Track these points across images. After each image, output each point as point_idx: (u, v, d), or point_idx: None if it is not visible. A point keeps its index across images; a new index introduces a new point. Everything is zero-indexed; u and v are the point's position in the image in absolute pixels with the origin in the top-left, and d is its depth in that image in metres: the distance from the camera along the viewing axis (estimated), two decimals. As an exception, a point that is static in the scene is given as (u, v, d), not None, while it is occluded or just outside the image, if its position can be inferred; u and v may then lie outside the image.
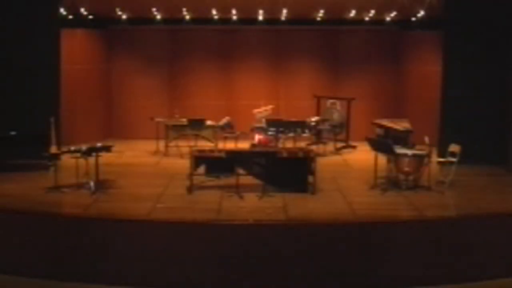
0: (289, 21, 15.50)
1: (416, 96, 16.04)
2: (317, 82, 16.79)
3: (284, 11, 14.46)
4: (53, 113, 12.39)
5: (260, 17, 15.03)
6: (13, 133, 12.11)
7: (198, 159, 10.94)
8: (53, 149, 11.51)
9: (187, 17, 15.22)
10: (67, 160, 11.51)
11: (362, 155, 13.91)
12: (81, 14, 14.45)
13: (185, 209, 9.94)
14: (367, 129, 14.61)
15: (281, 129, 13.64)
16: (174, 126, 14.22)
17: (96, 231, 8.81)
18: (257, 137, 14.02)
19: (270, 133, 13.66)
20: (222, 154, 10.94)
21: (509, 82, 12.74)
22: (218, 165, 10.93)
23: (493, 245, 8.83)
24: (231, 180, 10.77)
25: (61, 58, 13.64)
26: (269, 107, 14.90)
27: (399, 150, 11.11)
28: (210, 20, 15.45)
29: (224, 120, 14.44)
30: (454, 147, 11.32)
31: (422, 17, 14.35)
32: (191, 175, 10.81)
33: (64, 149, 11.65)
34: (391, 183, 11.12)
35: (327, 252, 8.57)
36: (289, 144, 13.62)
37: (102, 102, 16.51)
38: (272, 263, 8.51)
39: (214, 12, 14.68)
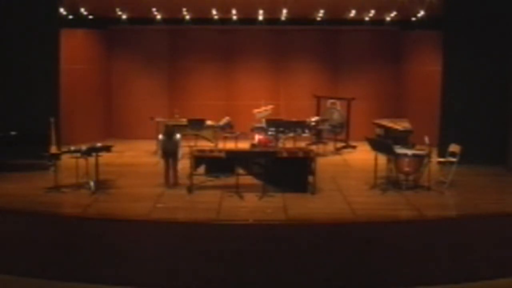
0: (289, 21, 15.51)
1: (416, 96, 16.05)
2: (317, 82, 16.79)
3: (284, 11, 14.46)
4: (53, 113, 12.40)
5: (260, 17, 15.04)
6: (13, 133, 12.11)
7: (198, 159, 10.95)
8: (53, 149, 11.50)
9: (187, 17, 15.23)
10: (67, 160, 11.51)
11: (362, 155, 13.92)
12: (81, 14, 14.45)
13: (185, 209, 9.95)
14: (367, 129, 14.62)
15: (281, 129, 13.64)
16: (174, 126, 14.20)
17: (96, 231, 8.81)
18: (257, 137, 14.02)
19: (270, 133, 13.66)
20: (222, 154, 10.94)
21: (509, 82, 12.74)
22: (218, 165, 10.93)
23: (493, 245, 8.83)
24: (231, 180, 10.77)
25: (61, 58, 13.65)
26: (269, 107, 14.90)
27: (399, 150, 11.11)
28: (210, 20, 15.46)
29: (224, 120, 14.44)
30: (454, 147, 11.32)
31: (422, 17, 14.35)
32: (191, 175, 10.81)
33: (64, 149, 11.65)
34: (391, 183, 11.12)
35: (327, 252, 8.57)
36: (289, 144, 13.63)
37: (102, 102, 16.52)
38: (272, 263, 8.51)
39: (214, 12, 14.68)
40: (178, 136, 11.17)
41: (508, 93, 12.76)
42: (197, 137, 14.29)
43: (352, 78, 16.72)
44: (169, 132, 11.16)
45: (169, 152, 11.07)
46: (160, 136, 11.24)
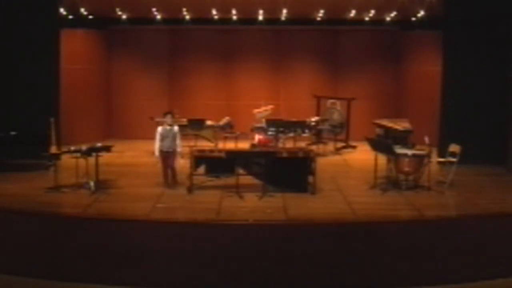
0: (289, 21, 15.52)
1: (416, 96, 16.06)
2: (317, 82, 16.80)
3: (284, 11, 14.47)
4: (53, 113, 12.41)
5: (260, 17, 15.04)
6: (13, 133, 12.11)
7: (198, 159, 10.94)
8: (53, 149, 11.51)
9: (187, 17, 15.24)
10: (67, 160, 11.51)
11: (362, 155, 13.92)
12: (81, 14, 14.46)
13: (185, 209, 9.94)
14: (367, 129, 14.62)
15: (281, 129, 13.64)
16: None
17: (96, 231, 8.81)
18: (257, 137, 14.02)
19: (270, 133, 13.66)
20: (222, 154, 10.93)
21: (509, 82, 12.74)
22: (218, 165, 10.93)
23: (493, 245, 8.83)
24: (231, 180, 10.77)
25: (61, 58, 13.66)
26: (269, 107, 14.90)
27: (399, 150, 11.11)
28: (210, 20, 15.46)
29: (224, 120, 14.44)
30: (454, 147, 11.32)
31: (422, 17, 14.36)
32: (191, 175, 10.81)
33: (64, 149, 11.65)
34: (391, 183, 11.12)
35: (327, 252, 8.56)
36: (289, 144, 13.63)
37: (102, 102, 16.53)
38: (272, 263, 8.51)
39: (214, 12, 14.68)
40: (176, 127, 11.14)
41: (508, 93, 12.75)
42: (197, 137, 14.30)
43: (352, 78, 16.73)
44: (169, 112, 11.28)
45: (167, 146, 10.97)
46: (159, 129, 11.11)
